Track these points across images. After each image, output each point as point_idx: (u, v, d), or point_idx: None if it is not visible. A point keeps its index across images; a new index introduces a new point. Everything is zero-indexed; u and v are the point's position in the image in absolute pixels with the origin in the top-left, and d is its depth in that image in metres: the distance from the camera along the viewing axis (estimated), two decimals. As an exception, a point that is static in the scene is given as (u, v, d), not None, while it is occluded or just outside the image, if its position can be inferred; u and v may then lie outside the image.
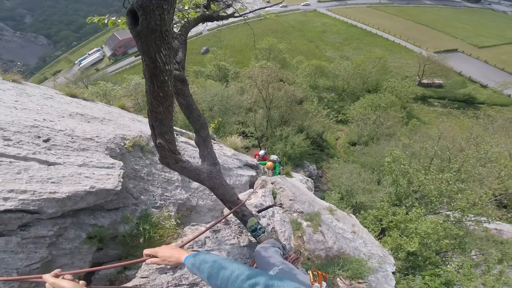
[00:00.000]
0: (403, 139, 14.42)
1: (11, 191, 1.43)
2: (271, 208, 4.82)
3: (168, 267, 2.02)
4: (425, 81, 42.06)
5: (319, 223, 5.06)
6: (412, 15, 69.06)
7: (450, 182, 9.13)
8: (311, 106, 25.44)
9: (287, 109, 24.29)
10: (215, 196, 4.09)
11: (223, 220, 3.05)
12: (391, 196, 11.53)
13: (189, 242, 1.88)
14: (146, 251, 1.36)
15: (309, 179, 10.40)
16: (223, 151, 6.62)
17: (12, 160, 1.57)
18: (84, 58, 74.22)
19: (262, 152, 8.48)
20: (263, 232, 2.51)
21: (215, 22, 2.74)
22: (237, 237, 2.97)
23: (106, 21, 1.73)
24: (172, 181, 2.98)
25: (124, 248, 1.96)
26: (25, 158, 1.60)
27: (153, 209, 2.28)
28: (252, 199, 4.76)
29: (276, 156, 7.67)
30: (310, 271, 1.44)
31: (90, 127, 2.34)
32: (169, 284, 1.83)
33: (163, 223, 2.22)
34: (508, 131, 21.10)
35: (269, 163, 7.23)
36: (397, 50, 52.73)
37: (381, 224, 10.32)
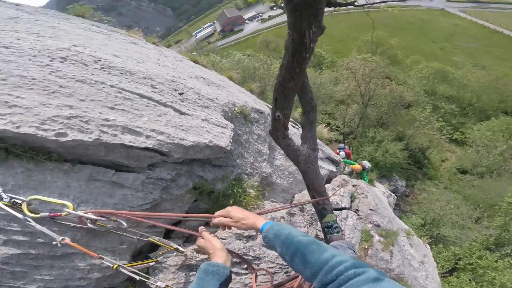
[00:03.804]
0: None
1: (153, 130, 1.72)
2: (345, 211, 4.60)
3: (245, 233, 2.09)
4: None
5: (393, 242, 4.76)
6: None
7: None
8: (421, 114, 21.09)
9: (388, 110, 21.37)
10: (291, 179, 4.19)
11: (299, 206, 3.05)
12: (490, 239, 10.44)
13: (268, 212, 1.95)
14: (218, 212, 1.26)
15: (392, 194, 9.54)
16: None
17: (156, 104, 1.94)
18: (199, 31, 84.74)
19: (342, 153, 7.87)
20: (337, 232, 2.39)
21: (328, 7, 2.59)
22: (308, 227, 2.95)
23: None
24: (262, 153, 3.14)
25: (214, 205, 2.18)
26: (165, 104, 1.96)
27: (245, 175, 2.48)
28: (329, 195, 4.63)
29: (369, 164, 7.03)
30: None
31: (210, 89, 2.68)
32: (239, 252, 1.95)
33: (250, 191, 2.39)
34: None
35: (357, 166, 6.70)
36: None
37: (456, 263, 9.67)
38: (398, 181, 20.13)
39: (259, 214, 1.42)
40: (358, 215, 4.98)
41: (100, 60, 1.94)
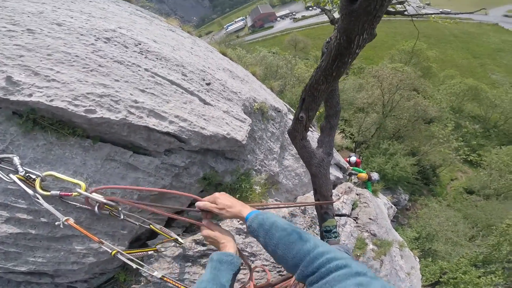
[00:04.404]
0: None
1: (177, 116, 1.77)
2: (344, 218, 4.65)
3: (245, 228, 2.09)
4: None
5: (386, 252, 4.85)
6: None
7: None
8: (441, 132, 20.47)
9: (408, 123, 20.77)
10: (297, 181, 4.25)
11: (302, 207, 3.12)
12: (479, 256, 10.86)
13: (271, 208, 1.96)
14: (205, 198, 1.21)
15: (393, 206, 9.63)
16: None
17: (184, 91, 2.01)
18: (231, 24, 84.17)
19: (353, 158, 7.81)
20: (336, 237, 2.44)
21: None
22: (307, 229, 3.02)
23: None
24: (273, 152, 3.19)
25: None
26: (192, 93, 2.03)
27: (253, 171, 2.55)
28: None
29: (378, 177, 6.96)
30: None
31: (235, 83, 2.73)
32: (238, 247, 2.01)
33: (256, 187, 2.45)
34: None
35: (364, 174, 6.68)
36: None
37: (440, 278, 9.97)
38: (402, 194, 19.91)
39: (261, 209, 1.37)
40: (357, 223, 5.04)
41: (140, 44, 2.00)
